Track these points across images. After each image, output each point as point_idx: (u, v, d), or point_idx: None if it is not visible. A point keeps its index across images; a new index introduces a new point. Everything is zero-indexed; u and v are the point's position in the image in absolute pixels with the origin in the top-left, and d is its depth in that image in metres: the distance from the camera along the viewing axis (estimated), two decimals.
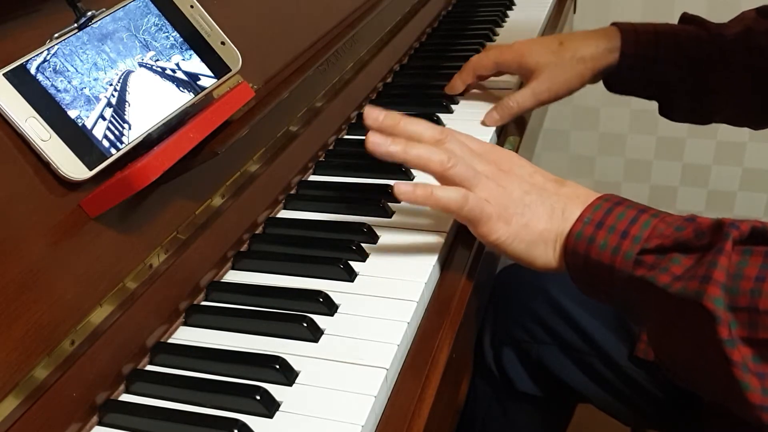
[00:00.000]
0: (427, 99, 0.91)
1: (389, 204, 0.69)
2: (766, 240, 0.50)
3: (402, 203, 0.70)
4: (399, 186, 0.58)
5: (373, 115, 0.61)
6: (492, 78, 0.91)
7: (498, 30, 1.13)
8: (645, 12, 1.68)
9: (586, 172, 1.90)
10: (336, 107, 0.83)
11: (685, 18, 0.89)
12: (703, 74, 0.83)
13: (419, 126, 0.61)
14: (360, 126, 0.86)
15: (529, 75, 0.84)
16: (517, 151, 0.79)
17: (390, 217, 0.68)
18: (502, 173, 0.61)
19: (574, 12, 1.38)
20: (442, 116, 0.85)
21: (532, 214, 0.59)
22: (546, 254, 0.59)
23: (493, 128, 0.83)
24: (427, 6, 1.13)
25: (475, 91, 0.91)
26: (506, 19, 1.19)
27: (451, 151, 0.59)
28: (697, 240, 0.51)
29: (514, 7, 1.24)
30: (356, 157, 0.81)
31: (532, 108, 0.84)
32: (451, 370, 0.55)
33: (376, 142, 0.59)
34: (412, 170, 0.75)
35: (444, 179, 0.59)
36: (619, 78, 0.86)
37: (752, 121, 0.88)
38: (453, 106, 0.88)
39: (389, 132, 0.60)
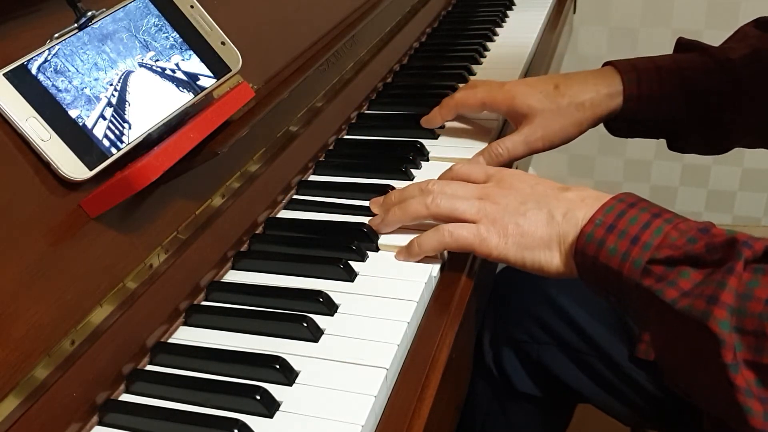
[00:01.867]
0: (427, 99, 0.91)
1: None
2: None
3: None
4: (397, 256, 0.62)
5: (373, 201, 0.68)
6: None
7: (498, 30, 1.13)
8: (645, 12, 1.68)
9: (586, 172, 1.90)
10: (336, 107, 0.83)
11: (683, 44, 0.82)
12: (715, 106, 0.77)
13: (407, 189, 0.64)
14: (360, 126, 0.86)
15: (521, 120, 0.76)
16: None
17: None
18: (498, 191, 0.60)
19: (574, 12, 1.38)
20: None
21: (529, 221, 0.58)
22: (553, 259, 0.58)
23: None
24: (427, 6, 1.13)
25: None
26: (506, 19, 1.19)
27: (435, 192, 0.61)
28: (709, 255, 0.49)
29: (514, 7, 1.24)
30: (356, 157, 0.81)
31: (523, 156, 0.77)
32: (451, 370, 0.55)
33: (375, 224, 0.65)
34: (411, 171, 0.75)
35: (436, 219, 0.61)
36: (623, 123, 0.80)
37: None
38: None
39: (388, 206, 0.65)
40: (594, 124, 0.78)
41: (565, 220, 0.57)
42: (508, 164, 0.77)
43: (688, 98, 0.76)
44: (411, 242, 0.61)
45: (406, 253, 0.61)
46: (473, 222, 0.59)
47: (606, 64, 0.80)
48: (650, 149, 1.81)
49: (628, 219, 0.53)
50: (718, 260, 0.49)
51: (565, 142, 0.77)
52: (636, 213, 0.53)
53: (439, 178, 0.66)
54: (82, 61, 0.53)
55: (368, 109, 0.91)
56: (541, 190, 0.60)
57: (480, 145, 0.79)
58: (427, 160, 0.78)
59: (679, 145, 0.82)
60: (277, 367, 0.50)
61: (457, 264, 0.63)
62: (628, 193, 0.56)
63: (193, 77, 0.59)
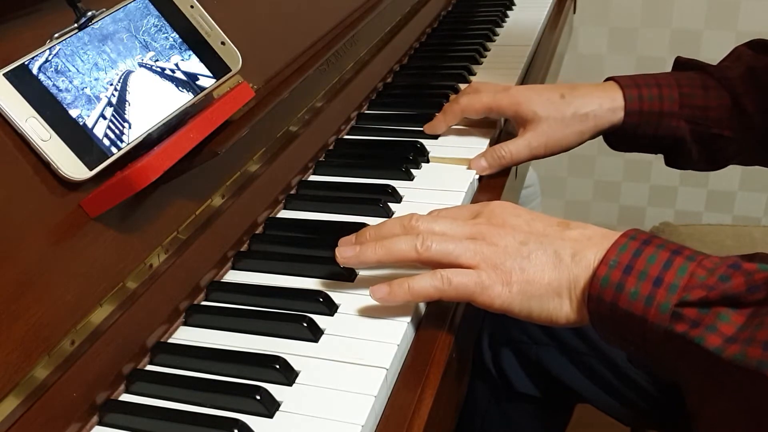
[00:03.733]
0: (427, 99, 0.91)
1: (389, 204, 0.69)
2: None
3: (402, 203, 0.70)
4: (375, 293, 0.55)
5: (344, 241, 0.59)
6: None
7: (498, 30, 1.13)
8: (645, 12, 1.68)
9: (586, 172, 1.90)
10: (336, 107, 0.83)
11: (681, 63, 0.83)
12: (713, 122, 0.77)
13: (386, 226, 0.57)
14: (360, 126, 0.87)
15: (524, 125, 0.77)
16: None
17: (390, 217, 0.68)
18: (493, 229, 0.55)
19: (574, 12, 1.38)
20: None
21: (534, 266, 0.53)
22: (563, 308, 0.52)
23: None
24: (427, 6, 1.13)
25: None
26: (506, 19, 1.19)
27: (424, 232, 0.55)
28: (750, 294, 0.45)
29: (514, 7, 1.24)
30: (356, 157, 0.81)
31: (525, 161, 0.78)
32: (451, 370, 0.55)
33: (345, 256, 0.57)
34: (411, 171, 0.75)
35: (426, 263, 0.55)
36: (623, 137, 0.80)
37: (767, 160, 0.82)
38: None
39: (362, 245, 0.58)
40: (594, 136, 0.79)
41: (575, 263, 0.52)
42: (509, 168, 0.77)
43: (687, 115, 0.77)
44: (399, 283, 0.54)
45: (388, 293, 0.54)
46: (471, 267, 0.54)
47: (608, 79, 0.81)
48: None
49: (645, 258, 0.49)
50: (761, 300, 0.44)
51: (564, 150, 0.78)
52: (653, 251, 0.49)
53: (416, 218, 0.58)
54: (82, 61, 0.53)
55: (368, 109, 0.91)
56: (540, 228, 0.55)
57: (480, 145, 0.79)
58: (427, 160, 0.78)
59: (677, 161, 0.83)
60: (277, 367, 0.50)
61: None
62: (637, 230, 0.52)
63: (193, 77, 0.59)
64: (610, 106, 0.77)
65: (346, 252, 0.57)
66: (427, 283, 0.54)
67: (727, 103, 0.77)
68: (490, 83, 0.82)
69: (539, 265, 0.53)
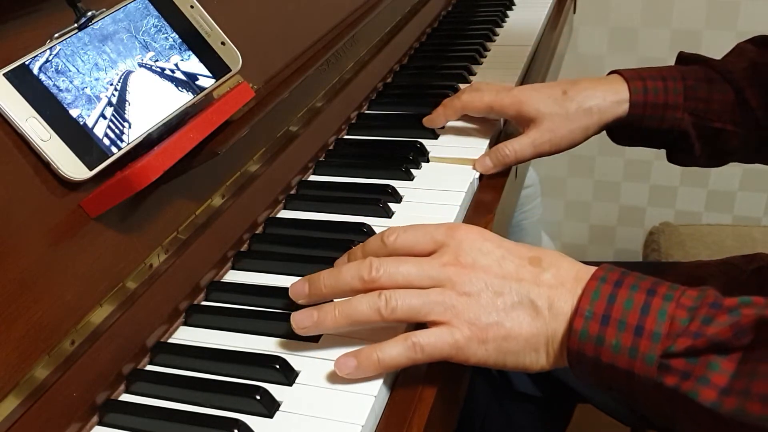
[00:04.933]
0: (427, 99, 0.91)
1: (389, 204, 0.69)
2: None
3: (401, 203, 0.70)
4: (341, 368, 0.49)
5: (296, 292, 0.54)
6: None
7: (498, 30, 1.13)
8: (645, 12, 1.68)
9: (586, 172, 1.90)
10: (336, 107, 0.83)
11: (684, 57, 0.83)
12: (716, 116, 0.77)
13: (342, 277, 0.52)
14: (360, 126, 0.87)
15: (528, 124, 0.76)
16: None
17: (390, 218, 0.68)
18: (463, 272, 0.50)
19: (574, 12, 1.38)
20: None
21: (512, 320, 0.49)
22: (539, 360, 0.50)
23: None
24: (427, 6, 1.13)
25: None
26: (506, 19, 1.19)
27: (386, 284, 0.50)
28: (737, 340, 0.43)
29: (514, 7, 1.24)
30: (356, 157, 0.81)
31: (530, 159, 0.77)
32: (452, 370, 0.55)
33: (303, 326, 0.51)
34: (411, 171, 0.75)
35: (392, 323, 0.51)
36: (627, 130, 0.80)
37: (767, 158, 0.82)
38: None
39: (318, 297, 0.53)
40: (599, 130, 0.79)
41: (552, 315, 0.49)
42: (513, 167, 0.77)
43: (691, 107, 0.77)
44: (367, 355, 0.49)
45: (356, 367, 0.49)
46: (442, 324, 0.49)
47: (612, 72, 0.80)
48: (650, 149, 1.80)
49: (621, 304, 0.46)
50: (749, 344, 0.43)
51: (570, 146, 0.78)
52: (627, 294, 0.46)
53: (373, 251, 0.54)
54: (82, 61, 0.53)
55: (368, 109, 0.91)
56: (512, 270, 0.51)
57: (481, 145, 0.79)
58: (427, 160, 0.78)
59: (679, 156, 0.83)
60: (277, 367, 0.50)
61: None
62: (607, 269, 0.49)
63: (193, 77, 0.59)
64: (615, 98, 0.77)
65: (303, 322, 0.51)
66: (397, 353, 0.49)
67: (730, 97, 0.76)
68: (492, 83, 0.82)
69: (516, 319, 0.49)
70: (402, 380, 0.52)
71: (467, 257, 0.51)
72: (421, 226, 0.54)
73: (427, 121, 0.82)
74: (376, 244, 0.54)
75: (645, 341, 0.45)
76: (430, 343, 0.49)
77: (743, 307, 0.44)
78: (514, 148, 0.75)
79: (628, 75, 0.78)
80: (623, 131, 0.80)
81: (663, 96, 0.77)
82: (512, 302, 0.49)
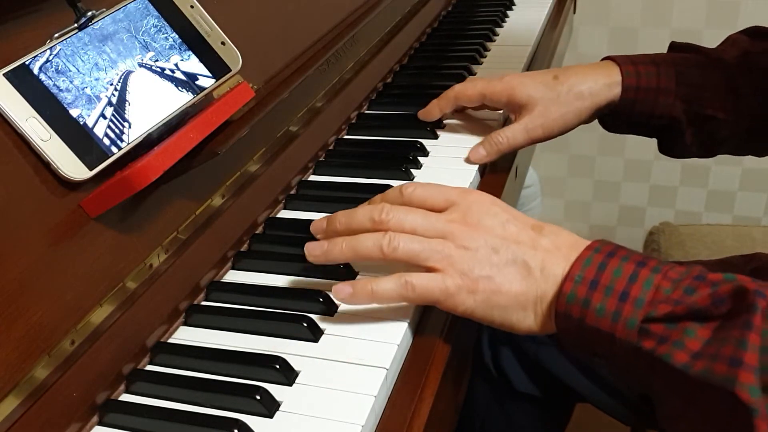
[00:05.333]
0: (427, 99, 0.90)
1: None
2: None
3: None
4: (337, 293, 0.54)
5: (315, 227, 0.59)
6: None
7: (498, 30, 1.13)
8: (645, 12, 1.68)
9: (586, 172, 1.90)
10: (336, 107, 0.83)
11: (676, 46, 0.83)
12: (708, 102, 0.77)
13: (356, 216, 0.56)
14: (360, 126, 0.87)
15: (520, 111, 0.76)
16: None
17: None
18: (466, 229, 0.53)
19: (574, 12, 1.38)
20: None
21: (503, 276, 0.51)
22: (526, 320, 0.52)
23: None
24: (427, 6, 1.13)
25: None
26: (506, 19, 1.19)
27: (393, 228, 0.54)
28: (716, 308, 0.44)
29: (514, 7, 1.24)
30: (356, 157, 0.81)
31: (523, 146, 0.77)
32: (451, 370, 0.55)
33: (314, 254, 0.56)
34: (411, 171, 0.75)
35: (393, 262, 0.54)
36: (619, 116, 0.79)
37: (757, 149, 0.82)
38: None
39: (333, 234, 0.57)
40: (592, 114, 0.78)
41: (543, 277, 0.51)
42: (509, 154, 0.77)
43: (682, 92, 0.77)
44: (363, 285, 0.53)
45: (351, 294, 0.54)
46: (437, 271, 0.52)
47: (604, 59, 0.81)
48: (650, 149, 1.80)
49: (611, 272, 0.48)
50: (726, 313, 0.44)
51: (564, 131, 0.77)
52: (618, 264, 0.48)
53: (391, 199, 0.58)
54: (82, 61, 0.53)
55: (368, 109, 0.91)
56: (514, 233, 0.53)
57: None
58: (428, 159, 0.78)
59: (671, 146, 0.82)
60: (277, 367, 0.50)
61: None
62: (603, 241, 0.51)
63: (193, 77, 0.59)
64: (607, 81, 0.76)
65: (314, 250, 0.56)
66: (390, 288, 0.53)
67: (722, 84, 0.76)
68: (485, 76, 0.82)
69: (508, 275, 0.51)
70: (402, 380, 0.52)
71: (473, 217, 0.54)
72: (438, 185, 0.58)
73: (422, 114, 0.82)
74: (394, 193, 0.58)
75: (628, 306, 0.46)
76: (422, 284, 0.52)
77: (726, 281, 0.45)
78: (506, 135, 0.75)
79: (620, 60, 0.78)
80: (615, 118, 0.80)
81: (655, 80, 0.77)
82: (506, 260, 0.52)
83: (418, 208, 0.56)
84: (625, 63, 0.77)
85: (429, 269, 0.53)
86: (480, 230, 0.53)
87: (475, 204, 0.55)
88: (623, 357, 0.48)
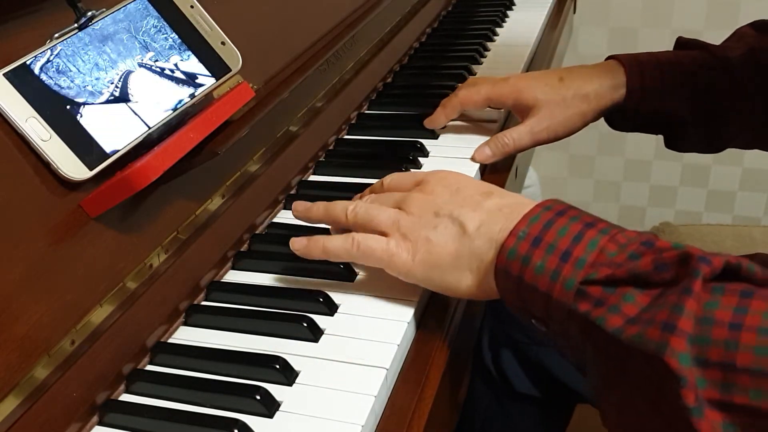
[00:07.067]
0: (427, 99, 0.91)
1: None
2: (741, 278, 0.41)
3: None
4: (294, 243, 0.58)
5: (298, 208, 0.63)
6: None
7: (498, 30, 1.13)
8: (645, 12, 1.68)
9: (586, 172, 1.90)
10: (336, 107, 0.83)
11: (682, 43, 0.82)
12: (714, 101, 0.76)
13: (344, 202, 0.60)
14: (360, 126, 0.87)
15: (526, 112, 0.76)
16: None
17: None
18: (418, 197, 0.56)
19: (574, 12, 1.38)
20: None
21: (439, 235, 0.52)
22: (463, 279, 0.52)
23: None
24: (427, 6, 1.13)
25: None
26: (506, 19, 1.19)
27: (363, 203, 0.58)
28: (657, 274, 0.42)
29: (514, 7, 1.24)
30: (356, 157, 0.81)
31: (529, 147, 0.77)
32: (451, 370, 0.55)
33: (298, 210, 0.62)
34: (412, 170, 0.75)
35: (355, 228, 0.57)
36: (625, 115, 0.79)
37: (765, 144, 0.81)
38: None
39: (311, 218, 0.63)
40: (597, 116, 0.78)
41: (478, 235, 0.51)
42: (514, 156, 0.77)
43: (688, 92, 0.77)
44: (315, 240, 0.57)
45: (304, 246, 0.57)
46: (386, 235, 0.55)
47: (609, 58, 0.80)
48: (650, 149, 1.81)
49: (556, 230, 0.46)
50: (669, 280, 0.42)
51: (569, 133, 0.77)
52: (566, 222, 0.47)
53: (375, 189, 0.63)
54: (83, 61, 0.53)
55: (368, 109, 0.91)
56: (461, 198, 0.54)
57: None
58: (428, 159, 0.78)
59: (677, 142, 0.82)
60: (277, 367, 0.50)
61: None
62: (556, 200, 0.50)
63: (193, 77, 0.59)
64: (612, 83, 0.76)
65: (298, 207, 0.62)
66: (338, 245, 0.56)
67: (727, 82, 0.76)
68: (488, 76, 0.82)
69: (443, 236, 0.53)
70: (402, 380, 0.52)
71: (430, 187, 0.56)
72: (412, 172, 0.63)
73: (428, 123, 0.82)
74: (377, 184, 0.63)
75: (569, 266, 0.44)
76: (367, 243, 0.55)
77: (673, 249, 0.43)
78: (512, 136, 0.75)
79: (625, 60, 0.77)
80: (621, 117, 0.80)
81: (660, 80, 0.76)
82: (444, 222, 0.53)
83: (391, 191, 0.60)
84: (630, 63, 0.77)
85: (381, 233, 0.55)
86: (430, 196, 0.55)
87: (435, 178, 0.57)
88: (558, 320, 0.46)
